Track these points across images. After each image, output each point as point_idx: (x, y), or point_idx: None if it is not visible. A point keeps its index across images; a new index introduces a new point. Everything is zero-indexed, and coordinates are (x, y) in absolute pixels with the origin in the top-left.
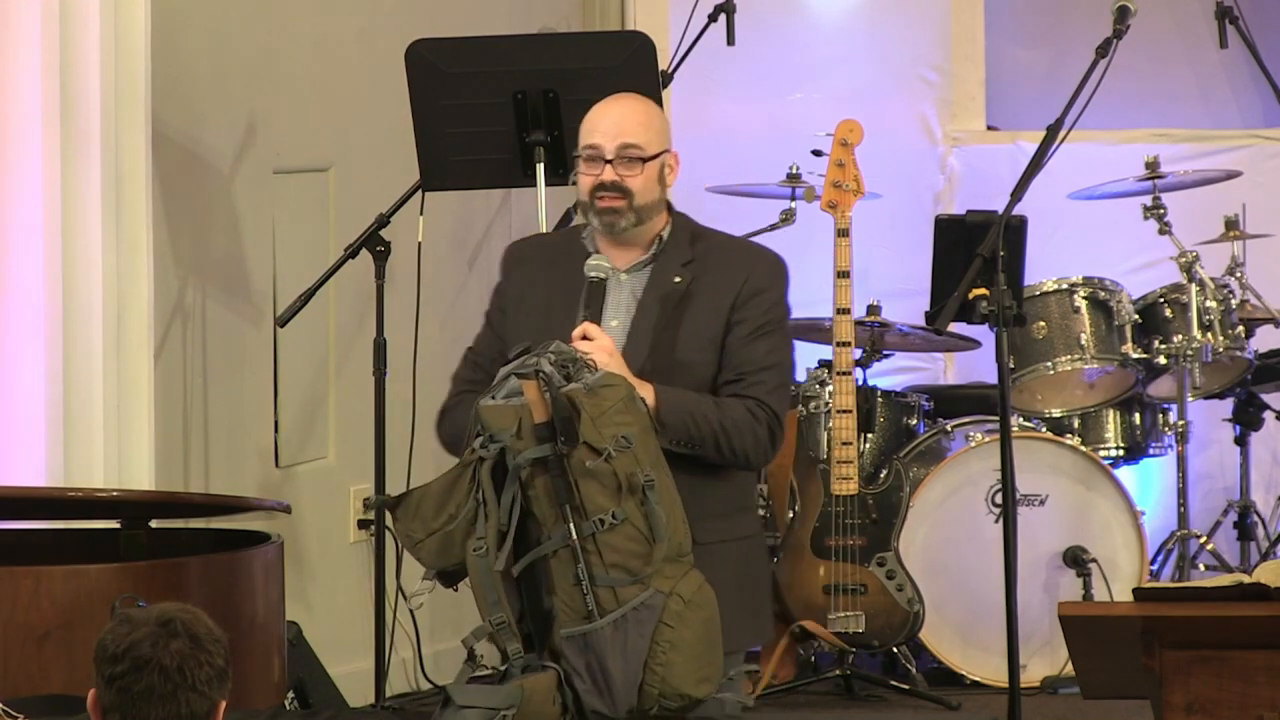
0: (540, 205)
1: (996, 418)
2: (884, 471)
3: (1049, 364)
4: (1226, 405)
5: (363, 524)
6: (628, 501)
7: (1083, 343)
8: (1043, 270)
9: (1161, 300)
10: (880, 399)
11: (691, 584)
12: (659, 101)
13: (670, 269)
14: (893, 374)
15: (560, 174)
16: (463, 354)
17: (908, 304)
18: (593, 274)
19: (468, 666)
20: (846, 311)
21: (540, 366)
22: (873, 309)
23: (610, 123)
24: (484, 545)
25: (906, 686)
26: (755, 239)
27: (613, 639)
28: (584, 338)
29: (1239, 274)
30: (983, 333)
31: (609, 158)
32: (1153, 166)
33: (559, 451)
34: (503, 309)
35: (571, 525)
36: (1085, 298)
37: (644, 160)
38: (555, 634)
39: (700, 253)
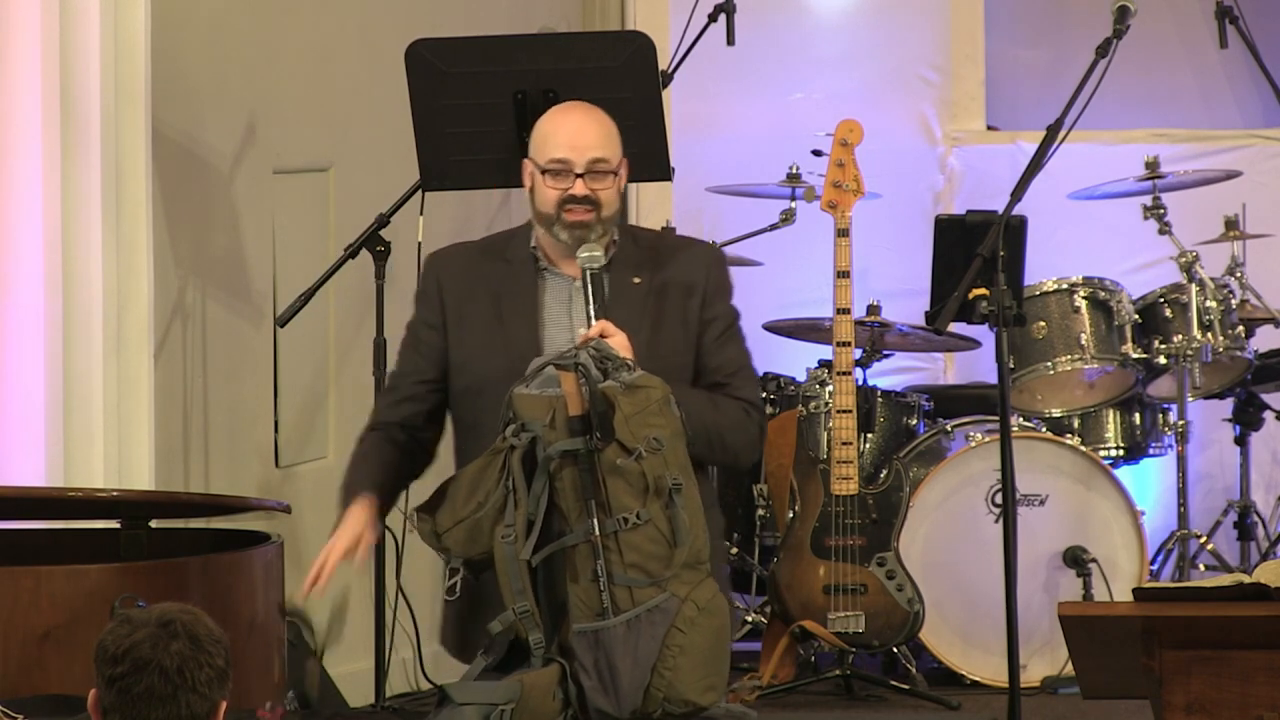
0: None
1: (996, 418)
2: (884, 471)
3: (1049, 364)
4: (1226, 405)
5: None
6: (653, 503)
7: (1083, 343)
8: (1043, 270)
9: (1161, 300)
10: (880, 399)
11: (706, 592)
12: (660, 102)
13: (627, 272)
14: (893, 374)
15: None
16: (386, 382)
17: (908, 304)
18: (592, 265)
19: (482, 658)
20: (846, 311)
21: (580, 359)
22: (873, 309)
23: (575, 135)
24: (513, 533)
25: (906, 686)
26: (755, 239)
27: (624, 638)
28: (602, 335)
29: (1239, 274)
30: (983, 333)
31: (579, 171)
32: (1153, 166)
33: (590, 446)
34: (433, 325)
35: (595, 521)
36: (1085, 298)
37: (612, 173)
38: (567, 629)
39: (648, 252)
